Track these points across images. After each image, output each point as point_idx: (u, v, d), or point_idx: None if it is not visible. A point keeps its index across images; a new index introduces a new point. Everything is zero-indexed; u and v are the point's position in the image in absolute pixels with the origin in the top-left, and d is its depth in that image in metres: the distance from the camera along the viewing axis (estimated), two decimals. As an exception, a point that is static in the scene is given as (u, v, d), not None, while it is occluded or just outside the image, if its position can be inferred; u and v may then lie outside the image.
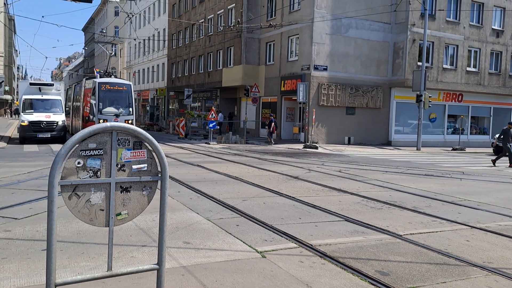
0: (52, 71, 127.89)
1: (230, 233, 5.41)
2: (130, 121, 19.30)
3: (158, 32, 46.75)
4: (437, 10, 25.18)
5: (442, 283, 4.08)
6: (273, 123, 22.72)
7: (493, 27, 27.82)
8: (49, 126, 18.95)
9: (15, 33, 55.80)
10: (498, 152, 22.39)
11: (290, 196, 8.00)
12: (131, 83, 20.88)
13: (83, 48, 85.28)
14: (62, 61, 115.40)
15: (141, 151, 3.16)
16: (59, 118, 19.52)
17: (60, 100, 20.90)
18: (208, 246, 4.88)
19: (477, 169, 14.90)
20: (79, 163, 2.93)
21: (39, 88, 21.38)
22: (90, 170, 2.98)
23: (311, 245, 5.04)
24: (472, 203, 8.13)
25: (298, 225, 6.00)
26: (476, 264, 4.62)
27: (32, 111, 19.73)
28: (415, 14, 24.40)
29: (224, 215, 6.39)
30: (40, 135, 18.81)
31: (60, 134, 19.28)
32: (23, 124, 18.73)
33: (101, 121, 16.43)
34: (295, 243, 5.10)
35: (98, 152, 3.00)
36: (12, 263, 4.12)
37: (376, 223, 6.20)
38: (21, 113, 19.55)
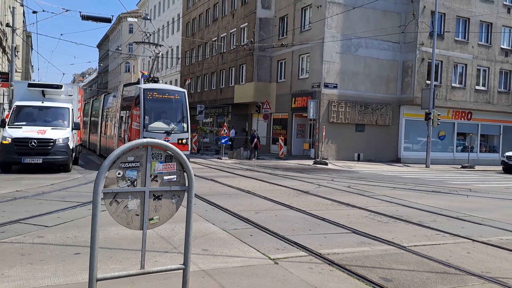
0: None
1: (245, 242, 5.81)
2: (184, 140, 14.61)
3: (172, 50, 47.86)
4: (445, 31, 25.63)
5: (441, 289, 4.43)
6: (255, 139, 23.10)
7: (502, 46, 28.15)
8: (42, 146, 12.68)
9: (32, 49, 57.44)
10: (508, 170, 22.56)
11: (301, 210, 8.37)
12: (185, 90, 15.77)
13: (98, 64, 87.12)
14: (76, 77, 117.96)
15: (172, 164, 3.62)
16: (58, 134, 13.15)
17: (69, 109, 14.32)
18: (225, 253, 5.28)
19: (485, 186, 15.11)
20: (119, 173, 3.40)
21: (42, 91, 15.06)
22: (128, 180, 3.44)
23: (320, 254, 5.41)
24: (476, 219, 8.42)
25: (308, 236, 6.37)
26: (475, 274, 4.95)
27: (24, 123, 13.47)
28: (423, 34, 24.88)
29: (238, 226, 6.80)
30: (27, 160, 12.57)
31: (60, 159, 13.00)
32: (4, 142, 12.58)
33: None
34: (305, 252, 5.49)
35: (135, 164, 3.46)
36: (49, 264, 4.57)
37: (382, 235, 6.55)
38: (6, 126, 13.33)
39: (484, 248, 6.20)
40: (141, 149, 3.48)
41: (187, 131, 15.02)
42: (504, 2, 28.05)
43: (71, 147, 13.65)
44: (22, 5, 30.35)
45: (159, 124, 14.69)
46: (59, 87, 15.10)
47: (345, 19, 24.05)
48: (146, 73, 17.73)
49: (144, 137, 11.74)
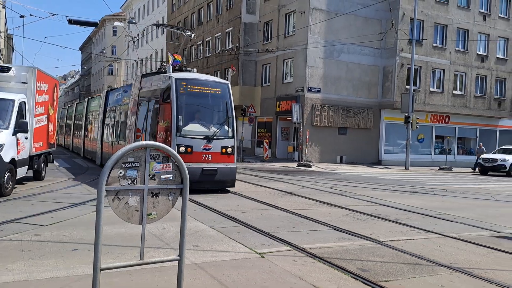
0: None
1: (233, 239, 6.18)
2: (229, 149, 10.91)
3: (156, 52, 47.92)
4: (423, 38, 26.50)
5: (412, 278, 4.87)
6: None
7: (478, 52, 29.19)
8: None
9: (13, 50, 56.71)
10: (483, 171, 23.46)
11: (285, 209, 8.78)
12: (228, 82, 11.83)
13: (81, 67, 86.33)
14: (58, 79, 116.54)
15: (168, 164, 3.98)
16: None
17: (12, 102, 9.84)
18: (215, 249, 5.64)
19: (460, 187, 15.78)
20: (121, 173, 3.74)
21: None
22: (129, 178, 3.78)
23: (303, 248, 5.82)
24: (450, 217, 8.96)
25: (292, 233, 6.78)
26: (444, 265, 5.42)
27: None
28: (403, 40, 25.68)
29: (226, 225, 7.16)
30: None
31: None
32: None
33: (182, 149, 10.06)
34: (289, 247, 5.89)
35: (135, 164, 3.81)
36: (50, 259, 4.86)
37: (360, 231, 6.99)
38: None
39: (455, 242, 6.70)
40: (141, 150, 3.83)
41: (233, 137, 11.02)
42: (480, 10, 29.12)
43: (7, 159, 8.98)
44: (4, 7, 30.15)
45: (196, 127, 10.72)
46: (5, 70, 10.75)
47: (328, 25, 24.66)
48: (179, 58, 12.92)
49: (178, 144, 10.16)
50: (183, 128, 10.50)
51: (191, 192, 8.44)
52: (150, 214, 3.93)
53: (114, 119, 15.83)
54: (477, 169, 24.51)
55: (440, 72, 27.81)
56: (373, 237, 6.67)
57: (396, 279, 4.77)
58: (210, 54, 35.00)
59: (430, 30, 26.97)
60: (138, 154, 3.82)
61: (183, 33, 14.78)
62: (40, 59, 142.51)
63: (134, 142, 13.84)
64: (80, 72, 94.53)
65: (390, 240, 6.51)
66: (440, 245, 6.43)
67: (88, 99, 22.80)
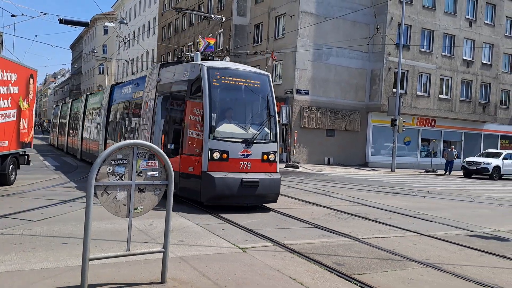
0: (37, 87, 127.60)
1: (217, 235, 6.45)
2: (272, 156, 8.97)
3: (147, 52, 47.99)
4: (410, 42, 27.04)
5: (384, 271, 5.19)
6: None
7: (464, 57, 29.83)
8: None
9: (2, 48, 56.29)
10: (467, 174, 24.02)
11: (269, 208, 9.06)
12: (268, 74, 9.77)
13: (72, 65, 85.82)
14: (48, 77, 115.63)
15: (154, 162, 4.24)
16: None
17: None
18: (199, 244, 5.91)
19: (442, 189, 16.22)
20: (109, 169, 3.99)
21: None
22: (117, 174, 4.04)
23: (284, 244, 6.11)
24: (428, 217, 9.32)
25: (274, 230, 7.06)
26: (416, 260, 5.74)
27: None
28: (390, 45, 26.16)
29: (211, 222, 7.43)
30: None
31: None
32: None
33: (216, 154, 8.27)
34: (270, 243, 6.17)
35: (123, 161, 4.06)
36: (40, 252, 5.08)
37: (340, 229, 7.30)
38: None
39: (429, 240, 7.04)
40: (128, 148, 4.09)
41: (276, 140, 9.18)
42: (466, 16, 29.76)
43: None
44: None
45: (233, 128, 8.80)
46: None
47: (317, 28, 25.05)
48: (212, 42, 11.23)
49: (211, 149, 8.24)
50: (217, 129, 8.47)
51: (223, 208, 8.19)
52: (136, 208, 4.18)
53: (122, 117, 13.67)
54: (447, 172, 25.12)
55: (427, 76, 28.37)
56: (352, 234, 6.98)
57: (369, 273, 5.08)
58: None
59: (417, 35, 27.51)
60: (126, 151, 4.08)
61: (212, 18, 13.02)
62: (30, 58, 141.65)
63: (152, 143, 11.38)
64: (70, 71, 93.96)
65: (368, 238, 6.83)
66: (414, 243, 6.77)
67: (87, 95, 20.39)
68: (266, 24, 27.99)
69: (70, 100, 25.73)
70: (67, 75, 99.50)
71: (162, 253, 4.25)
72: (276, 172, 9.05)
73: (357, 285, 4.63)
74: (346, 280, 4.76)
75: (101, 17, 60.46)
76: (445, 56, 28.95)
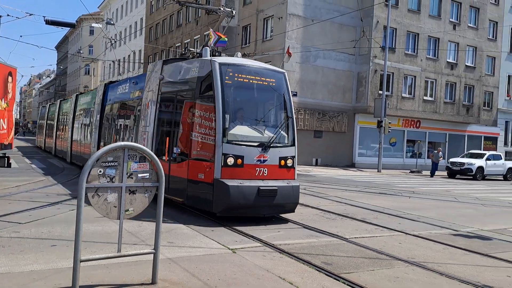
0: (21, 87, 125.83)
1: (207, 236, 6.50)
2: (289, 161, 8.18)
3: (134, 53, 47.71)
4: (396, 45, 27.43)
5: (371, 270, 5.30)
6: None
7: (448, 60, 30.35)
8: None
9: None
10: (451, 175, 24.44)
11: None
12: (285, 72, 9.04)
13: (57, 66, 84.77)
14: (33, 78, 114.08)
15: (145, 164, 4.28)
16: None
17: None
18: (189, 245, 5.95)
19: (427, 189, 16.50)
20: (100, 171, 4.02)
21: None
22: (108, 176, 4.07)
23: (273, 244, 6.19)
24: (413, 216, 9.50)
25: (264, 231, 7.13)
26: (401, 259, 5.88)
27: None
28: (376, 47, 26.49)
29: (201, 223, 7.46)
30: None
31: None
32: None
33: (230, 160, 7.52)
34: (260, 243, 6.25)
35: (114, 163, 4.10)
36: (30, 254, 5.07)
37: (328, 229, 7.41)
38: None
39: (414, 239, 7.20)
40: (119, 150, 4.13)
41: (294, 144, 8.39)
42: (451, 19, 30.30)
43: None
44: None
45: (247, 131, 7.99)
46: None
47: (305, 31, 25.24)
48: (225, 37, 10.35)
49: (224, 154, 7.48)
50: (231, 132, 7.69)
51: (234, 219, 7.47)
52: (127, 210, 4.22)
53: (118, 118, 12.79)
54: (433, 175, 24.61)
55: (412, 78, 28.80)
56: (340, 234, 7.10)
57: (356, 272, 5.19)
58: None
59: (402, 38, 27.90)
60: (117, 154, 4.12)
61: (221, 10, 11.15)
62: (15, 58, 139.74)
63: (153, 148, 9.18)
64: (55, 72, 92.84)
65: (355, 237, 6.95)
66: (400, 242, 6.91)
67: (77, 95, 19.35)
68: (254, 25, 28.09)
69: (58, 100, 24.69)
70: (52, 76, 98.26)
71: (152, 255, 4.29)
72: (294, 179, 8.25)
73: (345, 283, 4.73)
74: (334, 279, 4.86)
75: (87, 18, 59.94)
76: (429, 59, 29.42)
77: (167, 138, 8.83)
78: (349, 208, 10.16)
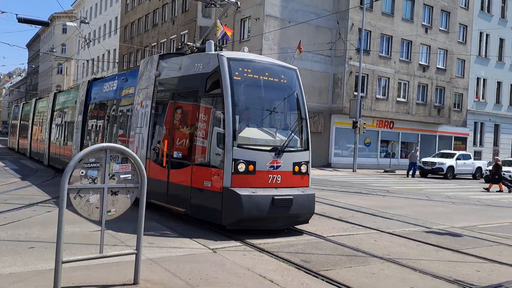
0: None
1: (188, 237, 6.53)
2: (304, 167, 7.51)
3: (109, 52, 46.96)
4: (371, 47, 28.01)
5: (349, 267, 5.47)
6: None
7: (420, 62, 31.16)
8: None
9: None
10: (424, 174, 25.05)
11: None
12: (296, 68, 8.45)
13: (28, 65, 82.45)
14: (2, 77, 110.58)
15: (127, 165, 4.30)
16: None
17: None
18: (169, 246, 5.98)
19: (400, 188, 16.94)
20: (82, 172, 4.03)
21: None
22: (90, 178, 4.08)
23: (253, 243, 6.28)
24: (388, 215, 9.77)
25: (243, 230, 7.21)
26: (377, 256, 6.07)
27: None
28: (352, 49, 26.98)
29: (181, 224, 7.49)
30: None
31: None
32: None
33: (241, 166, 6.74)
34: (240, 243, 6.33)
35: (96, 165, 4.11)
36: (7, 256, 5.00)
37: (306, 228, 7.55)
38: None
39: (389, 237, 7.43)
40: (101, 151, 4.14)
41: (308, 148, 7.80)
42: (423, 23, 31.11)
43: None
44: None
45: (259, 133, 7.36)
46: None
47: (282, 32, 25.45)
48: (230, 33, 9.87)
49: (235, 159, 6.69)
50: (242, 135, 6.96)
51: (247, 232, 6.70)
52: (109, 211, 4.24)
53: (105, 118, 11.72)
54: (410, 174, 24.51)
55: (386, 80, 29.45)
56: (318, 233, 7.25)
57: (334, 269, 5.34)
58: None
59: (376, 40, 28.50)
60: (99, 155, 4.13)
61: (225, 1, 10.33)
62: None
63: (148, 151, 8.40)
64: (26, 70, 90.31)
65: (332, 236, 7.12)
66: (376, 239, 7.12)
67: (56, 93, 18.10)
68: (231, 26, 28.08)
69: (34, 99, 23.12)
70: (24, 75, 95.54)
71: (134, 255, 4.32)
72: (309, 186, 7.57)
73: (323, 280, 4.87)
74: (314, 276, 4.99)
75: (60, 16, 58.60)
76: (402, 61, 30.14)
77: (165, 141, 7.91)
78: (326, 207, 10.35)
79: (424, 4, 31.01)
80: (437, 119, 32.47)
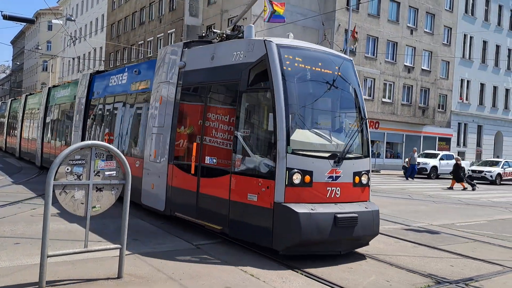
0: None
1: (173, 234, 6.65)
2: (364, 178, 6.20)
3: (95, 50, 46.60)
4: (357, 48, 28.34)
5: (327, 262, 5.65)
6: None
7: (405, 63, 31.66)
8: None
9: None
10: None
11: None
12: (351, 59, 6.94)
13: (13, 62, 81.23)
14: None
15: (112, 162, 4.42)
16: None
17: None
18: (154, 242, 6.10)
19: (384, 187, 17.26)
20: (68, 169, 4.14)
21: None
22: (75, 174, 4.19)
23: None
24: (369, 213, 10.00)
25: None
26: (356, 252, 6.26)
27: None
28: (338, 49, 27.30)
29: (167, 222, 7.60)
30: None
31: None
32: None
33: (297, 177, 5.42)
34: (221, 239, 6.48)
35: (82, 162, 4.22)
36: (-8, 252, 5.08)
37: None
38: None
39: (369, 234, 7.63)
40: (86, 149, 4.25)
41: (369, 154, 6.54)
42: (408, 25, 31.61)
43: None
44: None
45: (315, 137, 6.09)
46: None
47: (269, 33, 25.59)
48: (281, 10, 9.00)
49: (289, 168, 5.45)
50: (296, 139, 5.70)
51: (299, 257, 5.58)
52: (94, 207, 4.35)
53: (111, 116, 10.40)
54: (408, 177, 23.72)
55: (371, 81, 29.86)
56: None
57: (313, 263, 5.52)
58: (151, 55, 34.80)
59: (362, 41, 28.84)
60: (84, 152, 4.24)
61: None
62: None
63: (170, 155, 7.27)
64: (11, 68, 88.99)
65: (314, 232, 7.29)
66: (356, 236, 7.32)
67: (50, 88, 16.53)
68: (218, 25, 28.18)
69: (24, 95, 21.52)
70: (8, 72, 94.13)
71: (119, 250, 4.44)
72: (369, 200, 6.41)
73: (302, 275, 5.04)
74: (294, 271, 5.17)
75: (46, 12, 57.92)
76: (388, 62, 30.59)
77: (194, 144, 6.68)
78: (309, 205, 10.55)
79: (409, 6, 31.49)
80: (422, 119, 33.01)
